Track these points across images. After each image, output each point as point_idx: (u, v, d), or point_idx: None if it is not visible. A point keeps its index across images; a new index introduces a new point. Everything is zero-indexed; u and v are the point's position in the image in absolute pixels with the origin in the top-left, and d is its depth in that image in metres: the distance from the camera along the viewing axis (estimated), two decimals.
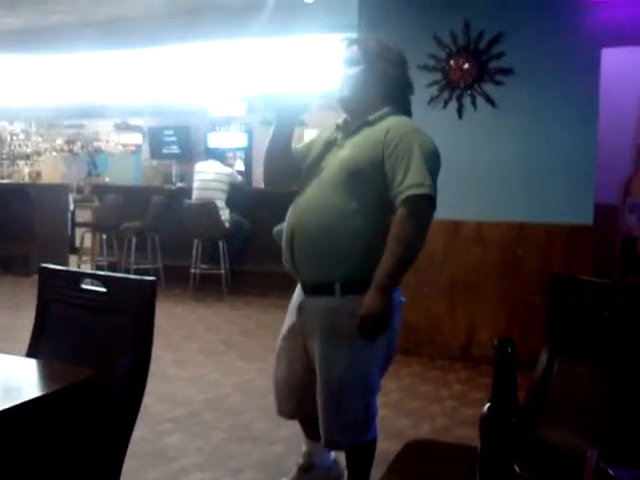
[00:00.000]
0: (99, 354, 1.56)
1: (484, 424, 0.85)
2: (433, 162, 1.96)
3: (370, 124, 2.02)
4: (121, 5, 5.99)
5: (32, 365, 1.53)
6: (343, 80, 2.06)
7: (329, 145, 2.06)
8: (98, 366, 1.47)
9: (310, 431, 2.28)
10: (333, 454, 2.37)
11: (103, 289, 1.58)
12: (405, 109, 2.10)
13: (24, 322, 5.63)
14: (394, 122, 2.00)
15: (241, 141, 9.38)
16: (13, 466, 1.54)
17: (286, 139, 2.10)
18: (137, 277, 1.54)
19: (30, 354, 1.66)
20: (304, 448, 2.35)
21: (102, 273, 1.64)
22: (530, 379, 1.40)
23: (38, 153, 11.76)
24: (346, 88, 2.05)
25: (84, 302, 1.63)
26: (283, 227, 6.33)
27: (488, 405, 0.85)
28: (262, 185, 7.82)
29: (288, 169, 2.14)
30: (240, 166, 8.92)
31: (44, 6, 6.16)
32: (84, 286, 1.63)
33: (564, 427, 1.28)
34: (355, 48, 2.06)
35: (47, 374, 1.48)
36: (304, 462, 2.33)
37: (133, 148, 10.95)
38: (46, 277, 1.75)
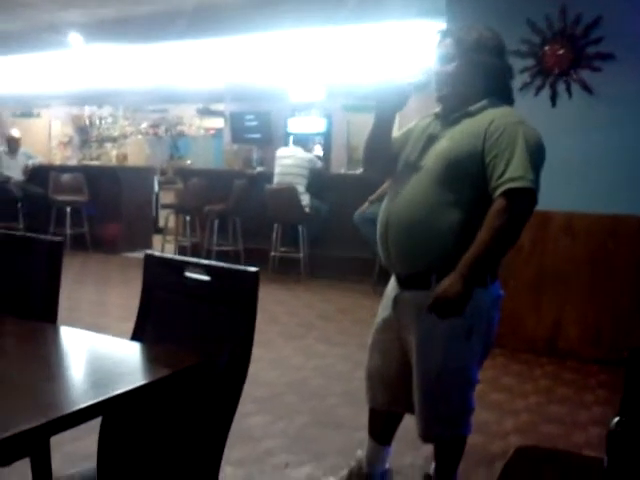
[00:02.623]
0: (202, 341, 1.61)
1: (612, 440, 0.82)
2: (538, 155, 1.90)
3: (471, 115, 1.97)
4: None
5: (141, 350, 1.60)
6: (439, 77, 2.00)
7: (430, 139, 2.03)
8: (202, 352, 1.52)
9: (379, 428, 2.25)
10: (389, 464, 2.33)
11: (207, 278, 1.62)
12: (506, 96, 2.03)
13: (114, 299, 5.94)
14: (497, 113, 1.95)
15: (320, 126, 9.42)
16: (124, 447, 1.63)
17: (387, 129, 2.07)
18: (241, 267, 1.58)
19: (135, 338, 1.72)
20: (360, 453, 2.31)
21: (206, 262, 1.68)
22: None
23: (124, 136, 12.22)
24: (445, 86, 1.99)
25: (188, 290, 1.68)
26: (364, 212, 6.28)
27: (617, 419, 0.82)
28: (341, 170, 7.89)
29: (388, 158, 2.11)
30: (319, 151, 8.96)
31: None
32: (188, 274, 1.68)
33: None
34: (449, 41, 1.99)
35: (156, 359, 1.54)
36: (358, 469, 2.29)
37: (213, 132, 11.20)
38: (150, 264, 1.80)
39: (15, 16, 7.16)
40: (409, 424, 2.19)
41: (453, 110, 2.02)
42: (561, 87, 4.02)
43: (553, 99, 4.03)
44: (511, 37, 4.00)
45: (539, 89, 4.06)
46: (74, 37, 7.70)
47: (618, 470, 0.84)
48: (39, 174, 8.21)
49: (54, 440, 1.27)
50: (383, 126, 2.06)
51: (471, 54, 1.96)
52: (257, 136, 9.85)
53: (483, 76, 1.99)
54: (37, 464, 1.61)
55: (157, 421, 1.61)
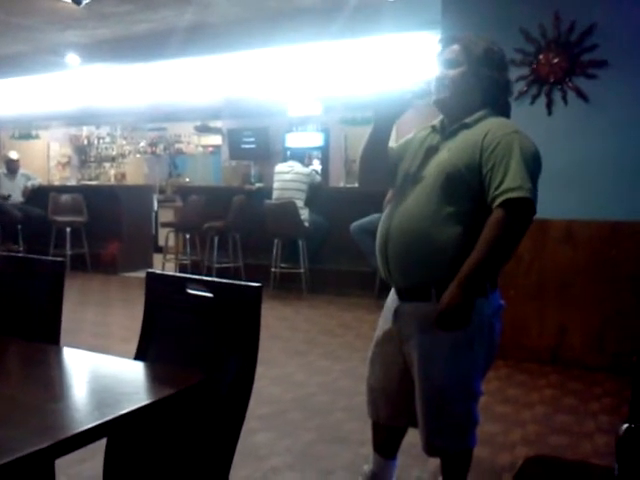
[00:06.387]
0: (206, 358, 1.60)
1: (622, 447, 0.81)
2: (534, 164, 1.89)
3: (468, 127, 1.98)
4: (204, 13, 6.14)
5: (145, 369, 1.59)
6: (441, 81, 1.99)
7: (429, 151, 2.03)
8: (206, 370, 1.51)
9: (383, 442, 2.23)
10: (395, 478, 2.30)
11: (210, 294, 1.62)
12: (503, 111, 2.04)
13: (115, 319, 5.90)
14: (493, 124, 1.95)
15: (318, 141, 9.45)
16: (130, 468, 1.62)
17: (385, 138, 2.07)
18: (244, 283, 1.57)
19: (138, 357, 1.72)
20: (367, 468, 2.29)
21: (208, 279, 1.68)
22: None
23: (123, 155, 12.25)
24: (445, 90, 1.99)
25: (191, 307, 1.68)
26: (361, 222, 6.28)
27: (626, 426, 0.81)
28: (340, 184, 7.92)
29: (385, 170, 2.11)
30: (317, 166, 9.00)
31: (132, 16, 6.40)
32: (191, 291, 1.67)
33: None
34: (456, 48, 1.99)
35: (160, 378, 1.53)
36: None
37: (211, 149, 11.23)
38: (152, 282, 1.80)
39: (16, 39, 7.22)
40: (414, 437, 2.18)
41: (450, 119, 2.03)
42: (557, 95, 4.04)
43: (549, 107, 4.05)
44: (505, 46, 4.00)
45: (535, 98, 4.08)
46: (72, 58, 7.75)
47: (629, 478, 0.83)
48: (38, 195, 8.22)
49: (59, 462, 1.26)
50: (381, 134, 2.06)
51: (478, 65, 1.97)
52: (255, 152, 9.88)
53: (484, 87, 1.99)
54: None
55: (162, 441, 1.60)
